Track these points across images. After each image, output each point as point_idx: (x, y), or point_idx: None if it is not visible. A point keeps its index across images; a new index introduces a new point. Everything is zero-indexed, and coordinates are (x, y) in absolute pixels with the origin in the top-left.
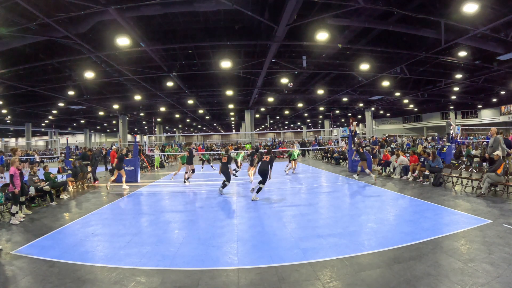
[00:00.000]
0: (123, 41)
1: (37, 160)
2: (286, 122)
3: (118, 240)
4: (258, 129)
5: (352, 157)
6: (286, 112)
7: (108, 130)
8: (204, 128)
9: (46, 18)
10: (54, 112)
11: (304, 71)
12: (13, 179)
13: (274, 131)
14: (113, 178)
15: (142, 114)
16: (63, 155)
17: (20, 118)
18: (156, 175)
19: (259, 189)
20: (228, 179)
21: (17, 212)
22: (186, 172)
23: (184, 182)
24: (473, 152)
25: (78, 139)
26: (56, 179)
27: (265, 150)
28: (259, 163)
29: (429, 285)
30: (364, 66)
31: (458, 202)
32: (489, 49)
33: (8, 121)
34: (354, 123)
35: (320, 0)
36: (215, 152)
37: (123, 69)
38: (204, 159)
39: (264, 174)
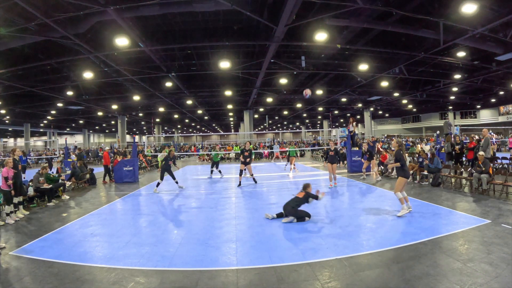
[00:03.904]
0: (122, 41)
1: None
2: (285, 123)
3: (117, 241)
4: (257, 130)
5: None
6: (285, 112)
7: (107, 131)
8: (203, 129)
9: (45, 18)
10: (53, 112)
11: (303, 71)
12: (7, 179)
13: (273, 131)
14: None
15: (141, 114)
16: (62, 155)
17: (18, 118)
18: (157, 175)
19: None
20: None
21: (11, 212)
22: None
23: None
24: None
25: (77, 140)
26: (56, 177)
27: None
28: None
29: (428, 285)
30: (363, 67)
31: (456, 202)
32: (487, 49)
33: (7, 121)
34: (354, 123)
35: (319, 1)
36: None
37: (122, 69)
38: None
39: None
